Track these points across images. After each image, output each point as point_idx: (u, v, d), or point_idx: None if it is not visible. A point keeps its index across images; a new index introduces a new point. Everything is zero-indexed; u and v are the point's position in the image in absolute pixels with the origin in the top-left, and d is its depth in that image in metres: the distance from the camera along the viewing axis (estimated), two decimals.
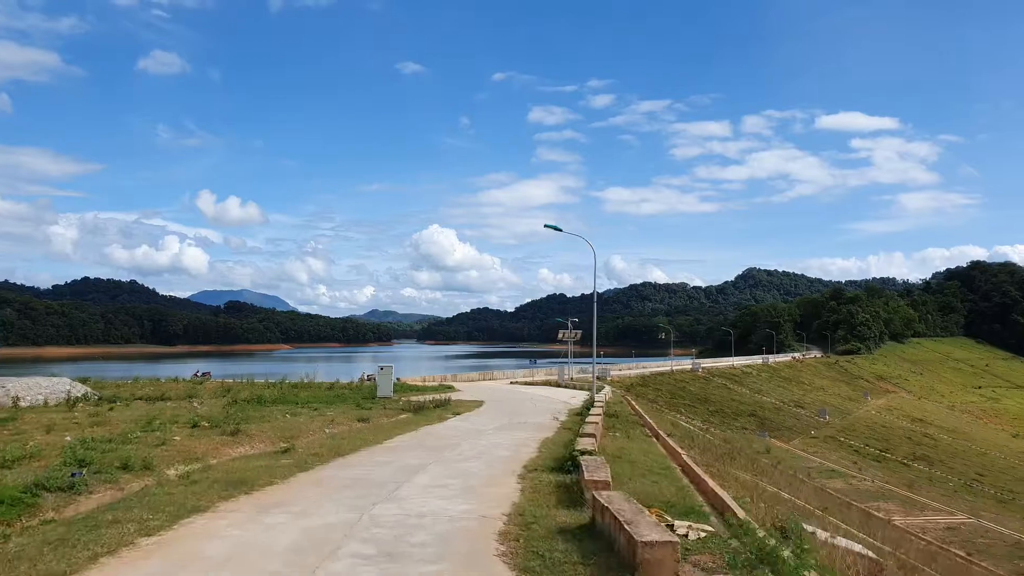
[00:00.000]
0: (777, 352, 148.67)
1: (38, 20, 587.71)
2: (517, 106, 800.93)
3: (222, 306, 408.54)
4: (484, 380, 72.97)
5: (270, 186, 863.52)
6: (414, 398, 31.78)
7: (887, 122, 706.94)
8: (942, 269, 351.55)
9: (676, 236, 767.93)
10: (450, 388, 43.12)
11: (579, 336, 63.61)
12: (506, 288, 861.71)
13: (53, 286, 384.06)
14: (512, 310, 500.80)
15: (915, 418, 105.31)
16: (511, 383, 67.02)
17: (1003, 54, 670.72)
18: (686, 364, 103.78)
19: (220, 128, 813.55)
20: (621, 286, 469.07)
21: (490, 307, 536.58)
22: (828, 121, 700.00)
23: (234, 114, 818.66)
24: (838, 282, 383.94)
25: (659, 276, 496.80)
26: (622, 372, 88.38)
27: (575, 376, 66.45)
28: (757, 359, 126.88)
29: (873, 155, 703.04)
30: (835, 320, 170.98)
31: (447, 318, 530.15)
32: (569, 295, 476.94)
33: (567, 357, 66.49)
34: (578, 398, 37.83)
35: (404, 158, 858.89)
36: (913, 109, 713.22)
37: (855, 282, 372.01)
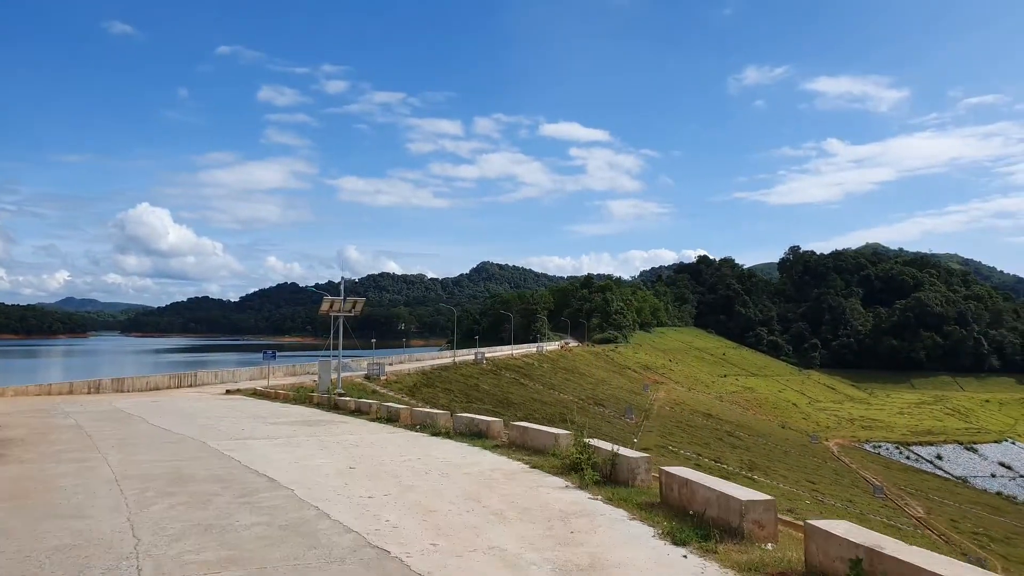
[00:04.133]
0: (534, 340, 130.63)
1: None
2: (244, 83, 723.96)
3: None
4: (179, 388, 41.80)
5: None
6: None
7: (600, 134, 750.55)
8: (647, 268, 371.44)
9: (411, 229, 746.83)
10: None
11: (359, 308, 35.37)
12: (229, 276, 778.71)
13: None
14: (236, 300, 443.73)
15: (705, 413, 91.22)
16: (227, 393, 36.95)
17: (695, 79, 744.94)
18: (468, 355, 79.07)
19: None
20: (356, 276, 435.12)
21: (211, 296, 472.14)
22: (550, 129, 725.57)
23: None
24: (560, 277, 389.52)
25: (394, 268, 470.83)
26: (395, 367, 61.18)
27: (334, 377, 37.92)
28: (531, 348, 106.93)
29: (587, 164, 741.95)
30: (589, 308, 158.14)
31: (159, 308, 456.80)
32: (302, 284, 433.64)
33: (332, 348, 38.04)
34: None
35: (110, 128, 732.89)
36: (621, 123, 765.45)
37: (575, 277, 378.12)
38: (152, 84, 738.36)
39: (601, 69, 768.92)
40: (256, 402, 29.59)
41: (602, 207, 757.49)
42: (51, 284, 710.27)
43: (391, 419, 18.05)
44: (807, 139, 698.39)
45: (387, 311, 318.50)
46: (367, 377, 54.18)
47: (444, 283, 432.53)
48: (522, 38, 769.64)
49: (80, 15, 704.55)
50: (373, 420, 18.69)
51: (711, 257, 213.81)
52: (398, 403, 46.41)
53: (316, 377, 51.21)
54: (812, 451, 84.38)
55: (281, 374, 51.93)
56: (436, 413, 16.44)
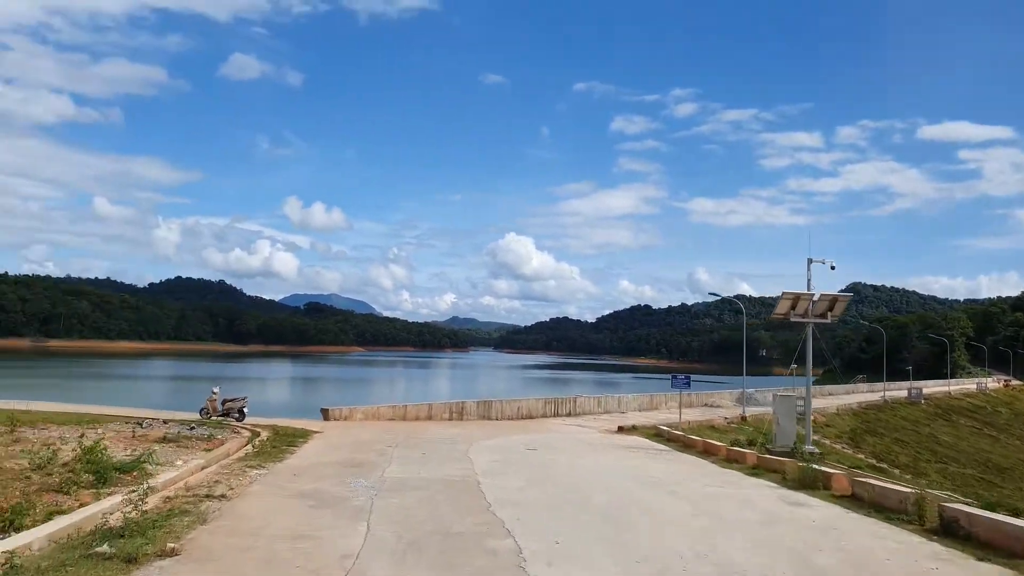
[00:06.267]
0: (949, 375, 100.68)
1: (148, 38, 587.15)
2: (598, 116, 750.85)
3: (301, 307, 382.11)
4: (556, 417, 31.35)
5: (358, 194, 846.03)
6: None
7: (999, 131, 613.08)
8: None
9: (764, 249, 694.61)
10: None
11: (839, 310, 21.04)
12: (586, 299, 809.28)
13: (149, 284, 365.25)
14: (592, 321, 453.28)
15: None
16: (621, 431, 25.51)
17: None
18: (896, 392, 59.27)
19: (314, 138, 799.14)
20: (709, 300, 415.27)
21: (569, 317, 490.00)
22: (931, 131, 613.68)
23: (327, 126, 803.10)
24: (953, 300, 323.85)
25: (746, 290, 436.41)
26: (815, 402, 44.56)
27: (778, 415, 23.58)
28: (969, 385, 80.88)
29: (983, 167, 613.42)
30: None
31: (525, 327, 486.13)
32: (655, 307, 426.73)
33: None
34: None
35: (485, 168, 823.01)
36: None
37: (976, 300, 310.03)
38: (518, 125, 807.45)
39: (994, 57, 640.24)
40: (695, 463, 16.90)
41: (1007, 217, 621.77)
42: (441, 305, 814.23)
43: None
44: None
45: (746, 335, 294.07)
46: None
47: None
48: (891, 36, 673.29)
49: (463, 73, 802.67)
50: None
51: None
52: (845, 458, 30.53)
53: (724, 412, 37.71)
54: None
55: (675, 405, 39.41)
56: None
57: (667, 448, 21.07)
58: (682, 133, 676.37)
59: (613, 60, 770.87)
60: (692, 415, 35.51)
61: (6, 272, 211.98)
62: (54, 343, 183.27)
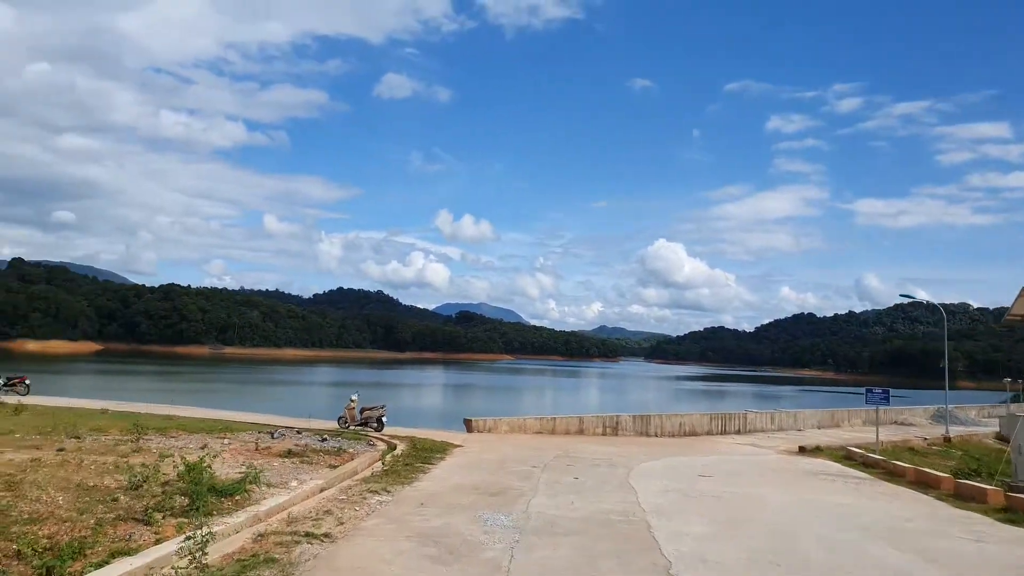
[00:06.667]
0: None
1: (311, 65, 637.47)
2: (752, 116, 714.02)
3: (452, 316, 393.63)
4: (724, 435, 28.48)
5: (505, 206, 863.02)
6: None
7: None
8: None
9: (942, 252, 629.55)
10: None
11: None
12: (742, 307, 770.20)
13: (313, 295, 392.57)
14: (751, 330, 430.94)
15: None
16: (801, 452, 22.12)
17: None
18: None
19: (463, 153, 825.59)
20: (879, 307, 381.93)
21: (725, 326, 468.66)
22: None
23: (476, 140, 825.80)
24: None
25: (922, 296, 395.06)
26: None
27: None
28: None
29: None
30: None
31: (677, 336, 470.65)
32: (819, 315, 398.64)
33: None
34: None
35: (632, 175, 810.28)
36: None
37: None
38: (667, 130, 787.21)
39: None
40: (917, 499, 13.52)
41: None
42: (588, 314, 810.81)
43: None
44: None
45: (922, 346, 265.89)
46: (1000, 437, 33.21)
47: (997, 313, 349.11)
48: None
49: (611, 80, 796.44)
50: None
51: None
52: None
53: (918, 431, 32.45)
54: None
55: (859, 422, 34.64)
56: None
57: (866, 476, 17.41)
58: (845, 130, 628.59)
59: (767, 57, 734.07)
60: (883, 434, 30.74)
61: (189, 285, 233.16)
62: (229, 350, 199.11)
